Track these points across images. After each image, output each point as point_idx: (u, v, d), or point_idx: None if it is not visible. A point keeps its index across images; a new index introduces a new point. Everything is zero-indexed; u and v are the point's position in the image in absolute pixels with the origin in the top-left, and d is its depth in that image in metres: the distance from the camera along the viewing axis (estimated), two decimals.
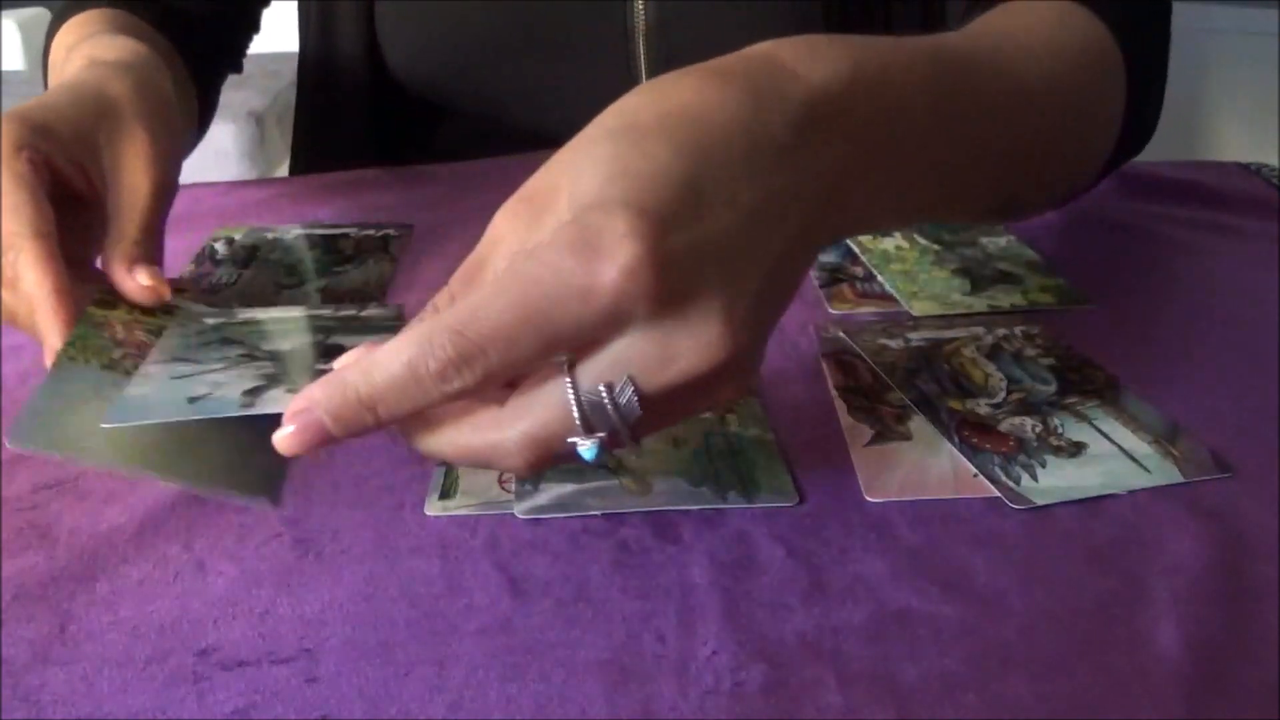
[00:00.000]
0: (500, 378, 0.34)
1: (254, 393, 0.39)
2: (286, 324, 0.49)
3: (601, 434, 0.34)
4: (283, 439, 0.35)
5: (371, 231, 0.67)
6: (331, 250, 0.65)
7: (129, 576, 0.39)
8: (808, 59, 0.38)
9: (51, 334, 0.44)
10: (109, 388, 0.42)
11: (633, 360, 0.34)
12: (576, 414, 0.34)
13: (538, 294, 0.33)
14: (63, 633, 0.36)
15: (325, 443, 0.35)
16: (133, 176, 0.50)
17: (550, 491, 0.42)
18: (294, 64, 0.87)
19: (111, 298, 0.49)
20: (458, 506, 0.42)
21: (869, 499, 0.42)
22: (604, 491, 0.42)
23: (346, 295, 0.59)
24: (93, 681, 0.34)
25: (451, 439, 0.36)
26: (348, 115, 0.85)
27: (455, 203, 0.71)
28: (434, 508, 0.42)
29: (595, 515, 0.41)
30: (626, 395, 0.34)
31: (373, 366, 0.34)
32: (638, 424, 0.35)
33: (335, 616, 0.36)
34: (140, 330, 0.47)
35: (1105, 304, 0.57)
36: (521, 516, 0.41)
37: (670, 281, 0.33)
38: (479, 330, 0.33)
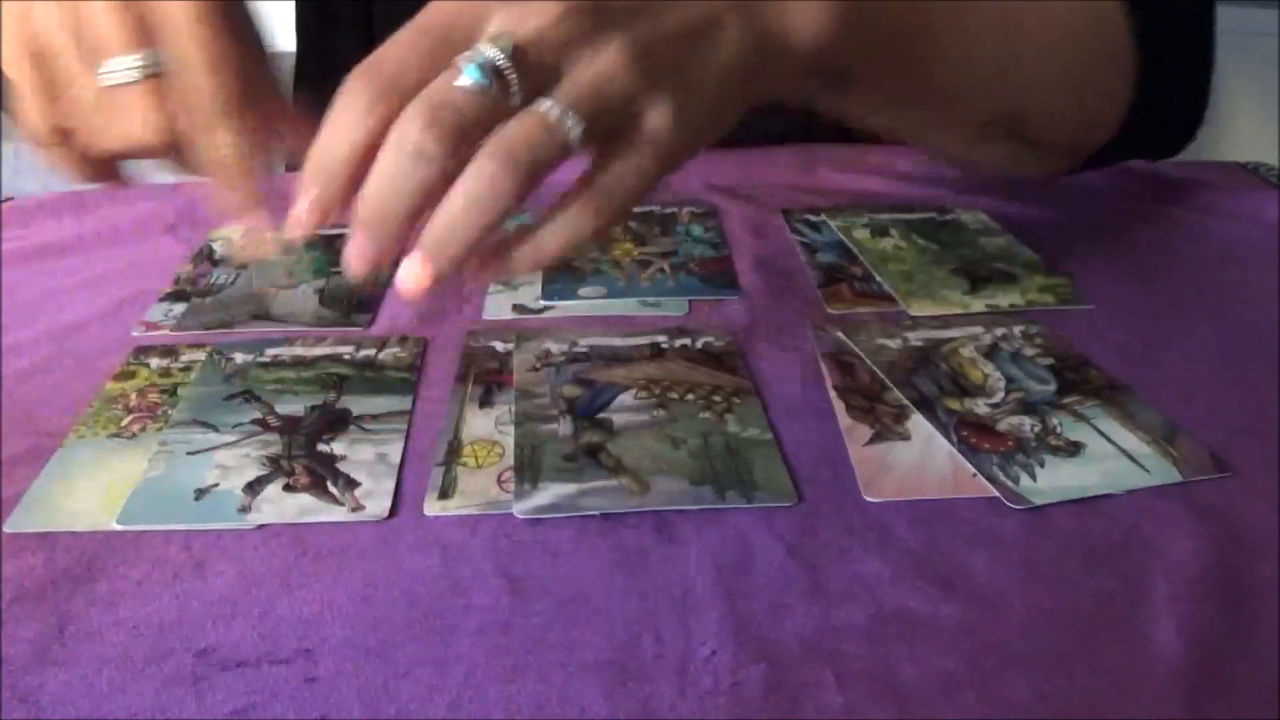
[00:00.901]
0: (402, 84, 0.38)
1: (255, 486, 0.43)
2: (305, 373, 0.51)
3: (483, 55, 0.38)
4: (293, 223, 0.41)
5: None
6: (329, 251, 0.65)
7: (128, 577, 0.39)
8: None
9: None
10: (113, 457, 0.45)
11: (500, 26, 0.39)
12: (460, 59, 0.38)
13: (419, 15, 0.40)
14: (62, 633, 0.36)
15: (318, 221, 0.41)
16: None
17: (550, 491, 0.42)
18: (294, 63, 0.87)
19: (134, 368, 0.51)
20: (457, 506, 0.42)
21: (868, 499, 0.42)
22: (603, 492, 0.42)
23: (345, 295, 0.59)
24: (92, 682, 0.34)
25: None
26: None
27: None
28: (433, 507, 0.42)
29: (594, 515, 0.41)
30: (499, 41, 0.38)
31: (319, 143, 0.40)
32: (522, 62, 0.38)
33: (334, 617, 0.36)
34: (155, 392, 0.49)
35: (1104, 304, 0.57)
36: (521, 516, 0.41)
37: None
38: (376, 54, 0.39)
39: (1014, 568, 0.38)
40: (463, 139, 0.38)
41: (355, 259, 0.41)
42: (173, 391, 0.49)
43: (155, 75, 0.44)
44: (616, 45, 0.39)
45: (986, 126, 0.56)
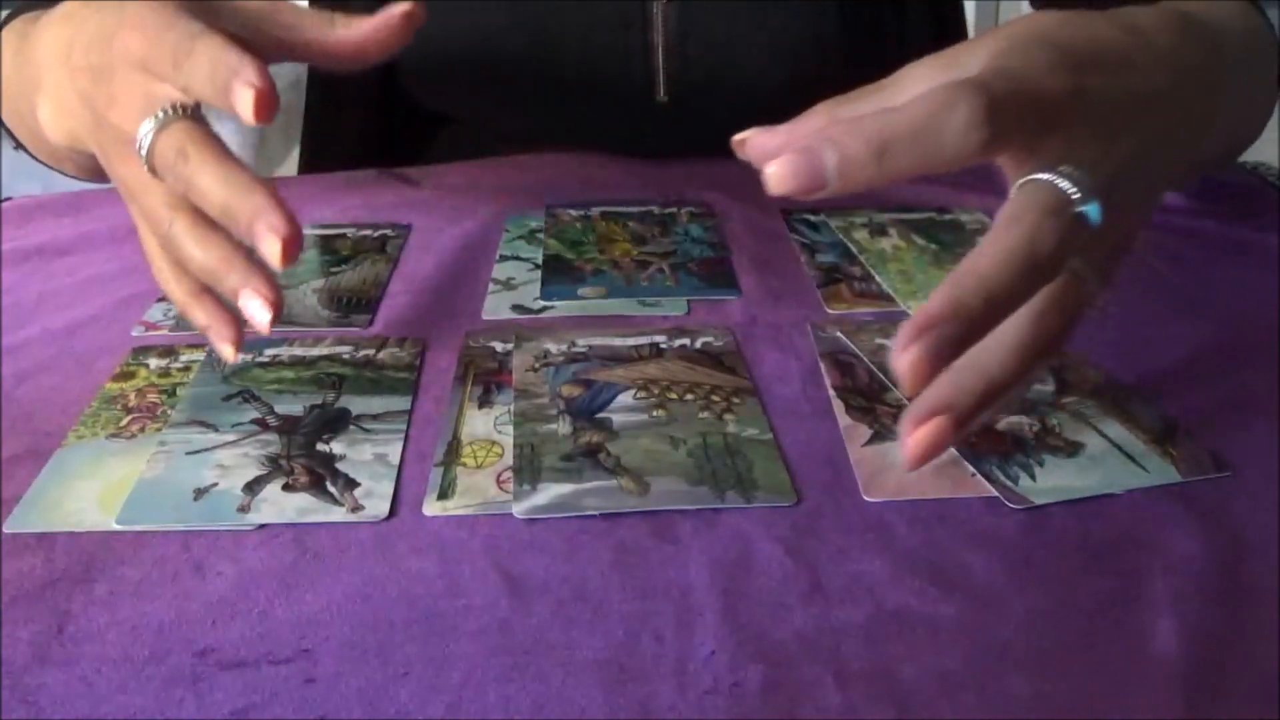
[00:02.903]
0: (1008, 137, 0.36)
1: (254, 486, 0.43)
2: (304, 372, 0.51)
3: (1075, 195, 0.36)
4: (782, 169, 0.35)
5: (369, 232, 0.67)
6: (329, 251, 0.65)
7: (128, 577, 0.39)
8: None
9: (254, 73, 0.42)
10: (112, 457, 0.45)
11: (1063, 154, 0.37)
12: (1067, 184, 0.36)
13: (1004, 65, 0.38)
14: (61, 633, 0.36)
15: (819, 183, 0.35)
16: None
17: (548, 492, 0.42)
18: (293, 64, 0.87)
19: (133, 368, 0.51)
20: (456, 507, 0.42)
21: (867, 499, 0.42)
22: (602, 492, 0.42)
23: (344, 296, 0.59)
24: (91, 682, 0.34)
25: (997, 242, 0.36)
26: (355, 120, 0.85)
27: (452, 203, 0.71)
28: (432, 508, 0.42)
29: (593, 515, 0.41)
30: (1084, 176, 0.37)
31: (896, 112, 0.36)
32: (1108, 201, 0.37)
33: (333, 617, 0.36)
34: (154, 392, 0.49)
35: (1103, 304, 0.57)
36: (520, 517, 0.41)
37: (1086, 99, 0.38)
38: (989, 83, 0.36)
39: (1013, 567, 0.38)
40: (1051, 272, 0.37)
41: (935, 351, 0.34)
42: (172, 392, 0.49)
43: (174, 121, 0.44)
44: (1131, 216, 0.40)
45: (1196, 173, 0.60)
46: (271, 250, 0.41)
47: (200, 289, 0.47)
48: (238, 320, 0.46)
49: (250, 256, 0.44)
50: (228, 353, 0.47)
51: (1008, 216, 0.36)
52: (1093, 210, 0.36)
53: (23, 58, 0.57)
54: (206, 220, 0.44)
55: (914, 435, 0.36)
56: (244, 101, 0.41)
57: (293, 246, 0.41)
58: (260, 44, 0.46)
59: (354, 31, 0.47)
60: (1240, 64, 0.53)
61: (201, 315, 0.47)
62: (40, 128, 0.54)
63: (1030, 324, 0.37)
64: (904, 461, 0.36)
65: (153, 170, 0.44)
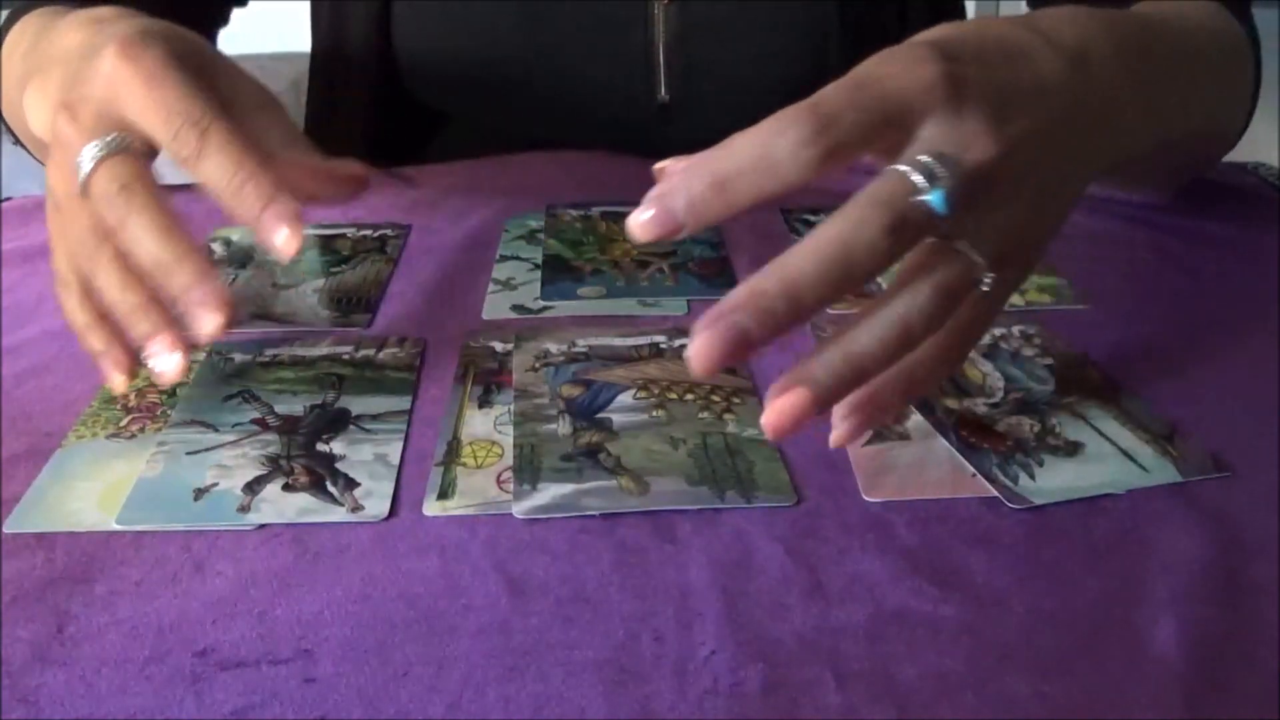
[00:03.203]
0: (849, 144, 0.37)
1: (254, 486, 0.43)
2: (304, 372, 0.51)
3: (941, 181, 0.37)
4: (643, 219, 0.37)
5: (369, 232, 0.67)
6: (329, 250, 0.65)
7: (127, 577, 0.39)
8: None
9: (267, 199, 0.43)
10: (112, 457, 0.45)
11: (936, 140, 0.38)
12: (913, 170, 0.37)
13: (866, 69, 0.39)
14: (61, 633, 0.36)
15: (675, 227, 0.37)
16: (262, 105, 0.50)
17: (549, 492, 0.42)
18: (294, 65, 0.87)
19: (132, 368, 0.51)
20: (456, 507, 0.42)
21: (867, 499, 0.42)
22: (602, 492, 0.42)
23: (344, 295, 0.59)
24: (91, 682, 0.34)
25: (814, 233, 0.37)
26: (356, 119, 0.85)
27: (452, 203, 0.71)
28: (432, 508, 0.42)
29: (593, 515, 0.41)
30: (947, 161, 0.37)
31: (730, 147, 0.37)
32: (960, 195, 0.37)
33: (333, 617, 0.36)
34: (154, 392, 0.49)
35: (1103, 304, 0.57)
36: (520, 517, 0.41)
37: (956, 84, 0.39)
38: (823, 99, 0.37)
39: (1013, 567, 0.38)
40: (901, 255, 0.37)
41: (724, 338, 0.35)
42: (172, 392, 0.49)
43: (120, 151, 0.44)
44: (1026, 200, 0.40)
45: (1172, 173, 0.61)
46: (208, 326, 0.42)
47: (102, 315, 0.46)
48: (134, 352, 0.45)
49: (164, 307, 0.44)
50: (118, 382, 0.45)
51: (841, 207, 0.37)
52: (936, 199, 0.37)
53: (37, 52, 0.57)
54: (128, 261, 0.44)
55: (771, 404, 0.36)
56: (280, 236, 0.42)
57: (228, 322, 0.42)
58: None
59: (324, 167, 0.49)
60: (1194, 60, 0.54)
61: (98, 342, 0.46)
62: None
63: (901, 303, 0.37)
64: (766, 430, 0.37)
65: (85, 193, 0.44)
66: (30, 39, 0.61)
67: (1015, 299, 0.57)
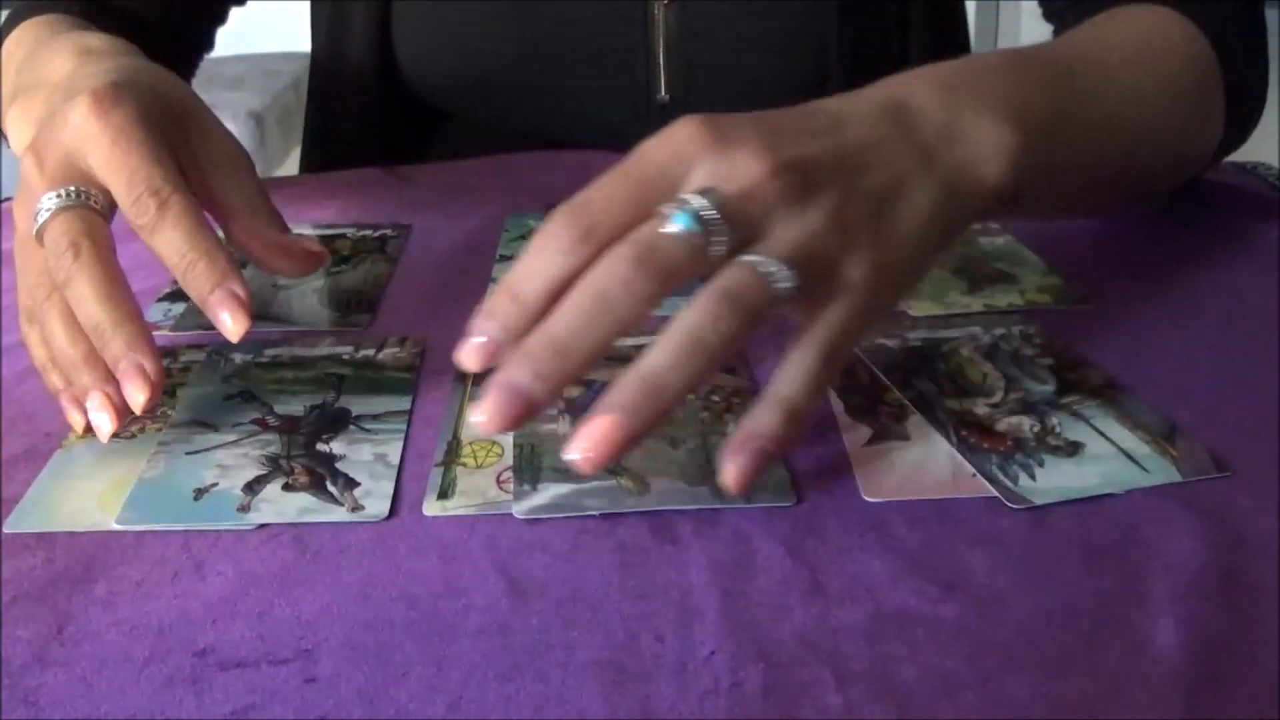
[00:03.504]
0: (607, 226, 0.39)
1: (254, 486, 0.43)
2: (304, 372, 0.51)
3: (691, 205, 0.39)
4: (469, 351, 0.40)
5: (369, 232, 0.67)
6: (329, 251, 0.65)
7: (127, 577, 0.39)
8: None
9: (216, 282, 0.44)
10: (112, 457, 0.45)
11: (700, 180, 0.40)
12: (665, 207, 0.39)
13: (626, 161, 0.40)
14: (61, 633, 0.36)
15: (497, 353, 0.39)
16: (234, 165, 0.50)
17: (549, 492, 0.42)
18: (294, 64, 0.87)
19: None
20: (456, 507, 0.42)
21: (867, 499, 0.42)
22: (602, 492, 0.42)
23: (344, 295, 0.59)
24: (91, 682, 0.34)
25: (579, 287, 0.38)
26: (356, 119, 0.85)
27: (452, 203, 0.71)
28: (432, 508, 0.42)
29: (594, 515, 0.41)
30: (708, 195, 0.39)
31: (512, 275, 0.39)
32: (731, 217, 0.39)
33: (333, 617, 0.36)
34: None
35: (1103, 304, 0.57)
36: (520, 517, 0.41)
37: (718, 128, 0.41)
38: (583, 195, 0.39)
39: (1014, 568, 0.38)
40: (666, 284, 0.38)
41: (508, 401, 0.37)
42: (171, 392, 0.49)
43: (78, 205, 0.45)
44: (819, 206, 0.40)
45: (1117, 198, 0.60)
46: (135, 397, 0.42)
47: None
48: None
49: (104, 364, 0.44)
50: (76, 421, 0.45)
51: (606, 258, 0.39)
52: (681, 219, 0.38)
53: (30, 69, 0.57)
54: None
55: (580, 433, 0.37)
56: (225, 319, 0.43)
57: (156, 393, 0.42)
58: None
59: (279, 241, 0.49)
60: (1099, 89, 0.55)
61: (57, 380, 0.46)
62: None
63: (690, 315, 0.38)
64: (579, 461, 0.37)
65: (39, 241, 0.45)
66: (26, 51, 0.62)
67: (1016, 298, 0.57)
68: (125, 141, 0.45)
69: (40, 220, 0.45)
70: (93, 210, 0.45)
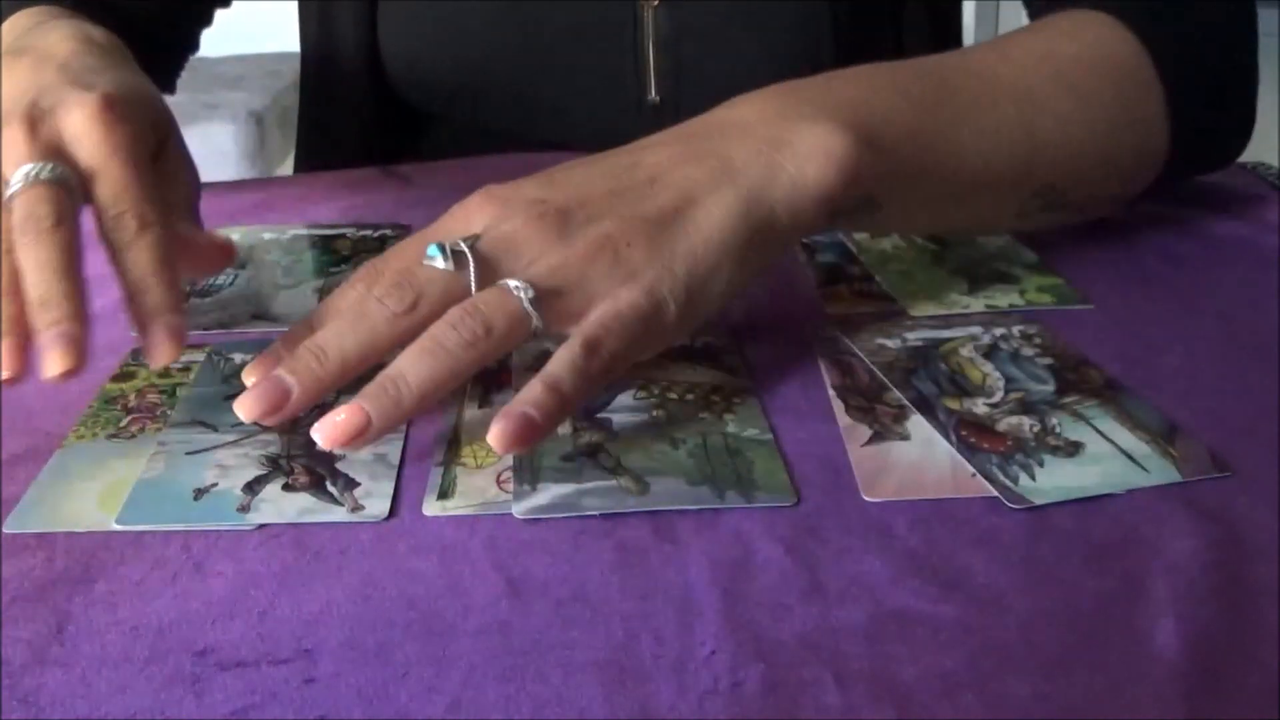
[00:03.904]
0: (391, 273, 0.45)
1: (254, 486, 0.43)
2: None
3: (446, 242, 0.45)
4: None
5: (368, 232, 0.67)
6: (328, 251, 0.65)
7: (127, 577, 0.39)
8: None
9: (164, 310, 0.45)
10: (112, 457, 0.45)
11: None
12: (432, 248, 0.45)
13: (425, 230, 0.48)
14: (60, 633, 0.36)
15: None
16: (179, 189, 0.52)
17: (548, 492, 0.42)
18: (294, 64, 0.87)
19: (133, 368, 0.52)
20: (456, 507, 0.42)
21: (867, 499, 0.42)
22: (602, 492, 0.42)
23: None
24: (91, 682, 0.34)
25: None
26: (348, 120, 0.85)
27: (451, 203, 0.71)
28: (432, 508, 0.42)
29: (594, 515, 0.41)
30: (467, 238, 0.46)
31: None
32: (481, 250, 0.45)
33: (333, 617, 0.36)
34: (153, 393, 0.49)
35: (1103, 304, 0.57)
36: (520, 517, 0.41)
37: (500, 194, 0.48)
38: (384, 254, 0.47)
39: (1014, 568, 0.38)
40: (414, 304, 0.44)
41: (269, 392, 0.43)
42: (171, 392, 0.49)
43: (59, 184, 0.45)
44: (579, 238, 0.45)
45: (1022, 208, 0.58)
46: (50, 368, 0.42)
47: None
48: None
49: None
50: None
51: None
52: (433, 249, 0.45)
53: (22, 41, 0.57)
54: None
55: (326, 419, 0.42)
56: (157, 348, 0.44)
57: (71, 371, 0.42)
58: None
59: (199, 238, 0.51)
60: (982, 97, 0.54)
61: None
62: None
63: (429, 332, 0.43)
64: (319, 439, 0.42)
65: (7, 205, 0.45)
66: (18, 33, 0.62)
67: (1016, 299, 0.57)
68: (124, 156, 0.47)
69: (14, 186, 0.45)
70: (71, 193, 0.46)
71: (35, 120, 0.47)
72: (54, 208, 0.44)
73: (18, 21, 0.65)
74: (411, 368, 0.42)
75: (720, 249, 0.46)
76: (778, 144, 0.49)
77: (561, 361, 0.43)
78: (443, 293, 0.44)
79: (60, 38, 0.55)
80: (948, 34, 0.84)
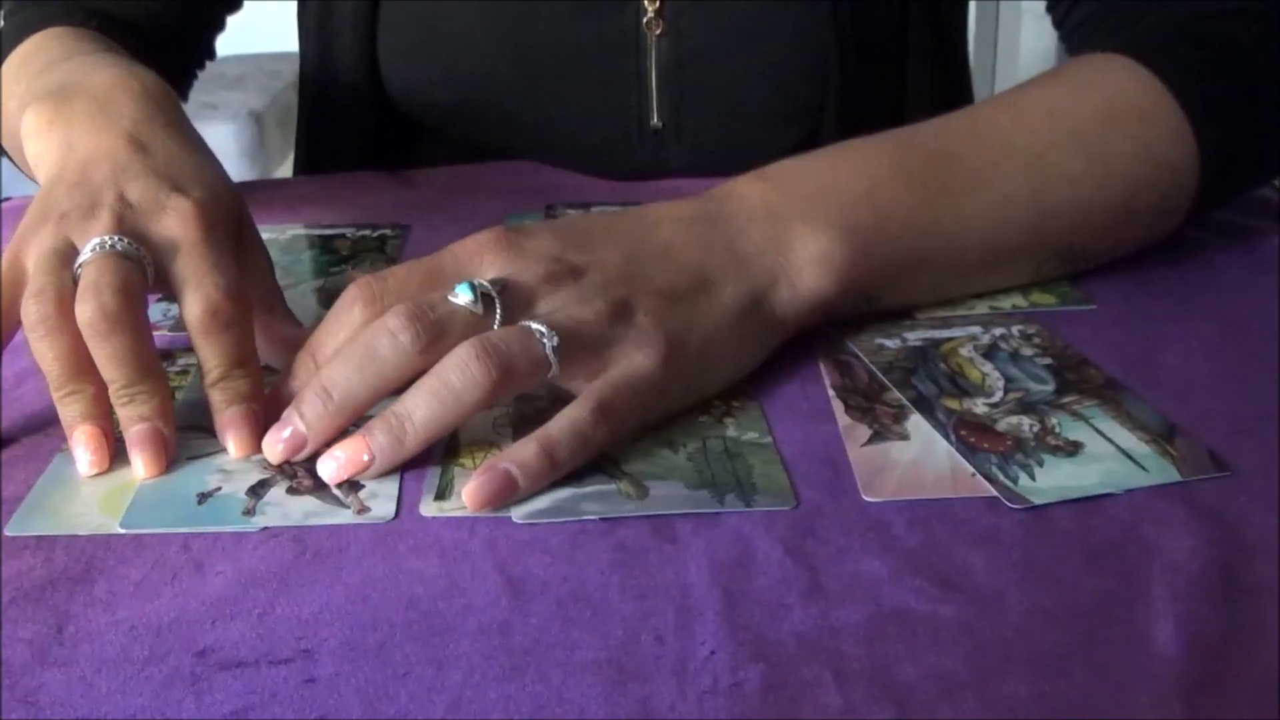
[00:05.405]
0: (398, 295, 0.45)
1: (258, 490, 0.43)
2: None
3: (475, 281, 0.44)
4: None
5: (368, 232, 0.67)
6: (328, 251, 0.65)
7: (127, 577, 0.39)
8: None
9: (252, 399, 0.45)
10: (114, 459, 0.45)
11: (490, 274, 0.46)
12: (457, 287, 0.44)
13: (424, 258, 0.47)
14: (60, 633, 0.36)
15: (299, 449, 0.43)
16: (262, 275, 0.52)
17: (547, 495, 0.42)
18: (294, 64, 0.87)
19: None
20: (453, 508, 0.42)
21: (867, 499, 0.42)
22: (601, 496, 0.42)
23: None
24: (91, 682, 0.34)
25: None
26: (346, 127, 0.84)
27: (451, 204, 0.71)
28: (429, 509, 0.42)
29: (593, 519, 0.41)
30: (493, 280, 0.45)
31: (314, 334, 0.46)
32: (505, 295, 0.45)
33: (333, 617, 0.36)
34: None
35: (1104, 304, 0.57)
36: (518, 521, 0.41)
37: (514, 236, 0.47)
38: (381, 273, 0.46)
39: (1013, 567, 0.38)
40: (436, 340, 0.43)
41: (286, 437, 0.43)
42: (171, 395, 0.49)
43: (139, 262, 0.45)
44: (598, 298, 0.45)
45: (1040, 269, 0.58)
46: (144, 468, 0.43)
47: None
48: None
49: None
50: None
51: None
52: (463, 288, 0.44)
53: (58, 83, 0.56)
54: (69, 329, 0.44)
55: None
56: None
57: (165, 463, 0.44)
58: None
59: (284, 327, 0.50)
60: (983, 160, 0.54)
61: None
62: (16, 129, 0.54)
63: (438, 371, 0.42)
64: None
65: (73, 266, 0.44)
66: (44, 62, 0.61)
67: (1017, 299, 0.57)
68: (220, 268, 0.46)
69: (91, 251, 0.44)
70: (144, 274, 0.45)
71: (123, 187, 0.47)
72: (128, 282, 0.44)
73: (44, 44, 0.65)
74: (420, 408, 0.42)
75: (728, 334, 0.47)
76: (780, 245, 0.50)
77: (566, 424, 0.42)
78: (462, 334, 0.43)
79: (111, 84, 0.53)
80: (951, 56, 0.82)
